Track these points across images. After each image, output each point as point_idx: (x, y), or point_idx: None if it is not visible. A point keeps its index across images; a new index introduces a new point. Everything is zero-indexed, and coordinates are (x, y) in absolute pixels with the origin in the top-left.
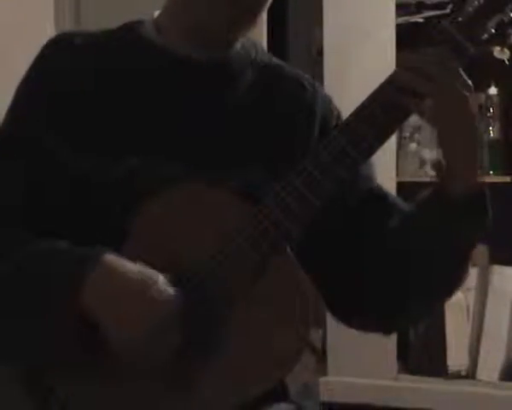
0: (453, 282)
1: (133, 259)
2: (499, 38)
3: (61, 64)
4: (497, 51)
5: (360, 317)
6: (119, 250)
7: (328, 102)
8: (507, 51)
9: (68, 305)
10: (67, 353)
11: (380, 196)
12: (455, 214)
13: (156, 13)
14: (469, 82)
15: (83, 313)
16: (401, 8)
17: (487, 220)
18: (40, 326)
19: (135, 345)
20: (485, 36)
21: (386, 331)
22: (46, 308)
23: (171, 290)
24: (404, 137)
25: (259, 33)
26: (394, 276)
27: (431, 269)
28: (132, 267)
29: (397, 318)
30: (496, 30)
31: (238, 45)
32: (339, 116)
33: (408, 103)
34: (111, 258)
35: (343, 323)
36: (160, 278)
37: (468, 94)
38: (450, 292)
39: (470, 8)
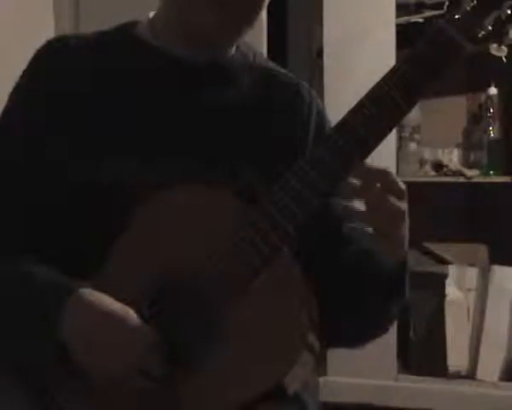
0: (384, 323)
1: (129, 261)
2: (496, 36)
3: (56, 65)
4: (494, 49)
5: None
6: (117, 251)
7: (322, 110)
8: (504, 48)
9: (47, 337)
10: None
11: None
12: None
13: (151, 14)
14: (402, 188)
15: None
16: (401, 8)
17: (405, 293)
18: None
19: (108, 381)
20: (483, 33)
21: (352, 346)
22: (24, 338)
23: (141, 324)
24: (404, 138)
25: (259, 33)
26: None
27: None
28: (104, 304)
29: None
30: (493, 27)
31: (234, 48)
32: (329, 125)
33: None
34: (85, 294)
35: None
36: (131, 313)
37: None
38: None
39: (467, 6)
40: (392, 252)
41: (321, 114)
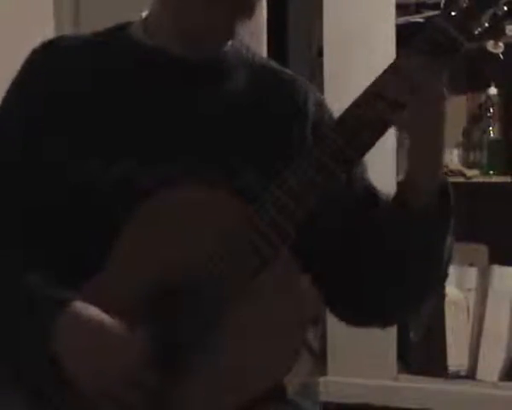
0: (435, 277)
1: (129, 261)
2: (493, 32)
3: (51, 66)
4: (491, 45)
5: (359, 313)
6: (117, 251)
7: (320, 102)
8: (501, 45)
9: (40, 352)
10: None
11: (374, 194)
12: (419, 215)
13: (144, 13)
14: (444, 91)
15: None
16: (401, 8)
17: (452, 218)
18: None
19: (100, 396)
20: (479, 30)
21: (385, 325)
22: (17, 352)
23: (130, 338)
24: (404, 137)
25: (259, 33)
26: (388, 271)
27: (413, 265)
28: (93, 319)
29: (394, 311)
30: (489, 24)
31: (229, 45)
32: (331, 116)
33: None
34: (75, 309)
35: (343, 320)
36: (119, 329)
37: (443, 102)
38: (436, 285)
39: (463, 3)
40: (431, 155)
41: (319, 105)
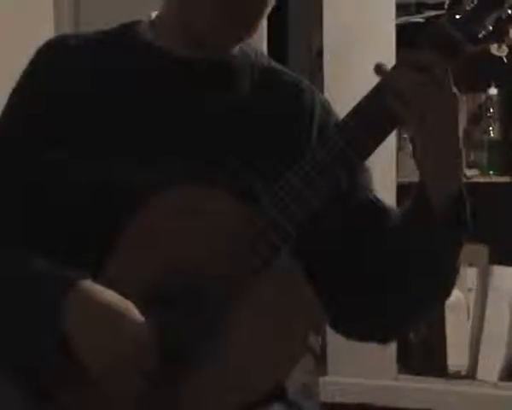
0: (442, 286)
1: (129, 261)
2: (497, 36)
3: (56, 65)
4: (494, 48)
5: (358, 326)
6: (117, 251)
7: (326, 106)
8: (505, 48)
9: (49, 331)
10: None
11: (377, 204)
12: (434, 222)
13: (153, 13)
14: (456, 93)
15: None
16: (401, 8)
17: (467, 226)
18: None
19: (105, 375)
20: (483, 33)
21: (384, 340)
22: (24, 335)
23: (141, 320)
24: (404, 138)
25: (259, 34)
26: (390, 283)
27: (420, 275)
28: (105, 297)
29: (394, 326)
30: (494, 27)
31: (237, 48)
32: (337, 120)
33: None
34: (86, 286)
35: (342, 333)
36: (131, 308)
37: (454, 107)
38: (444, 296)
39: (467, 5)
40: (447, 174)
41: (326, 109)
